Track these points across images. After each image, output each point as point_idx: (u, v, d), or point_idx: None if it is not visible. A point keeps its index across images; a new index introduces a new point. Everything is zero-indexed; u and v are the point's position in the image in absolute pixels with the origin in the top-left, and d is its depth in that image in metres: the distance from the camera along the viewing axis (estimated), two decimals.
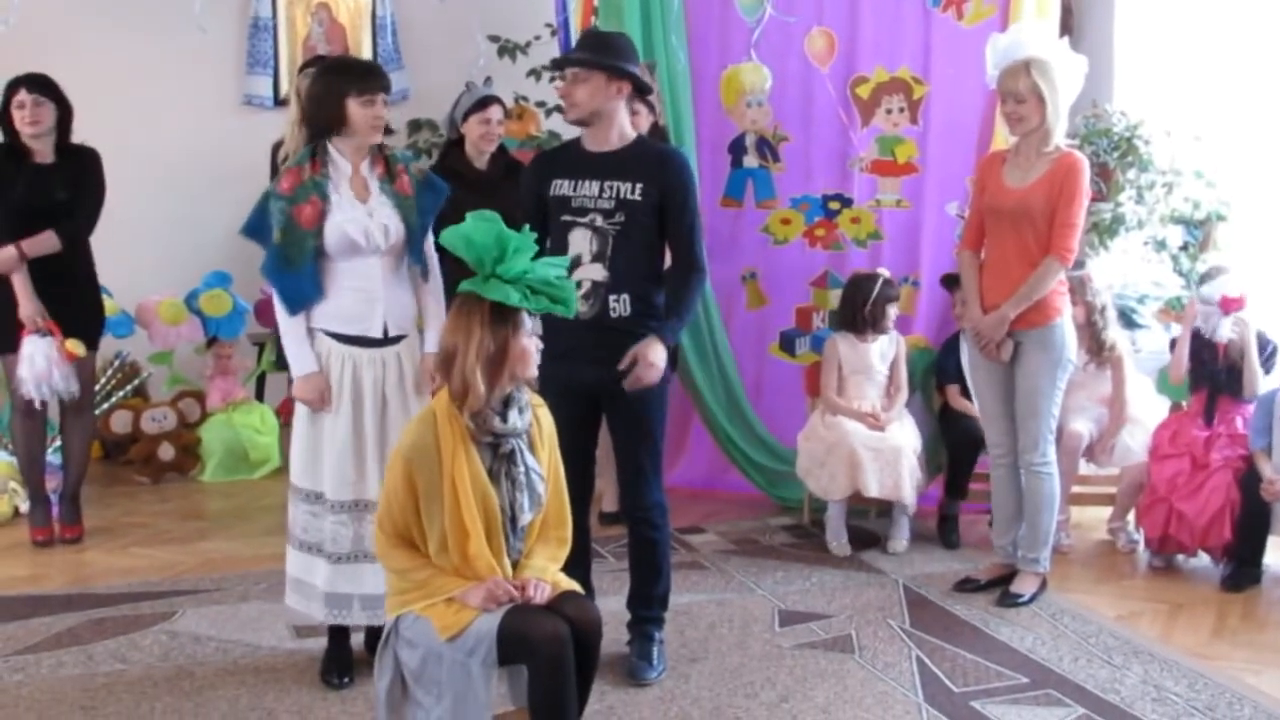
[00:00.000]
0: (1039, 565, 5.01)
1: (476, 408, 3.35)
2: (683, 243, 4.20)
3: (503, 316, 3.33)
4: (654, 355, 4.04)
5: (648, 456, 4.27)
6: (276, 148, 5.75)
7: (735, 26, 6.07)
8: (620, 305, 4.11)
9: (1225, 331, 5.33)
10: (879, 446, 5.45)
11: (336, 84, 4.08)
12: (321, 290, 4.07)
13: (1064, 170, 4.70)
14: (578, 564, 3.90)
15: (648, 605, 4.38)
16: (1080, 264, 5.73)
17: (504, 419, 3.40)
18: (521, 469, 3.44)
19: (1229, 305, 5.31)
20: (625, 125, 4.22)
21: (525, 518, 3.47)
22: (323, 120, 4.11)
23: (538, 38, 7.48)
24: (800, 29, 6.04)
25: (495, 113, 5.68)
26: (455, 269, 3.59)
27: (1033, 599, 4.96)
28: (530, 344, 3.40)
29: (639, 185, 4.10)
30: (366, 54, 7.85)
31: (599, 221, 4.10)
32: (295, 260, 4.04)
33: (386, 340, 4.13)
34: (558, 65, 4.24)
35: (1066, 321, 4.86)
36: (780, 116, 6.14)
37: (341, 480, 4.11)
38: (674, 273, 4.24)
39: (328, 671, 4.29)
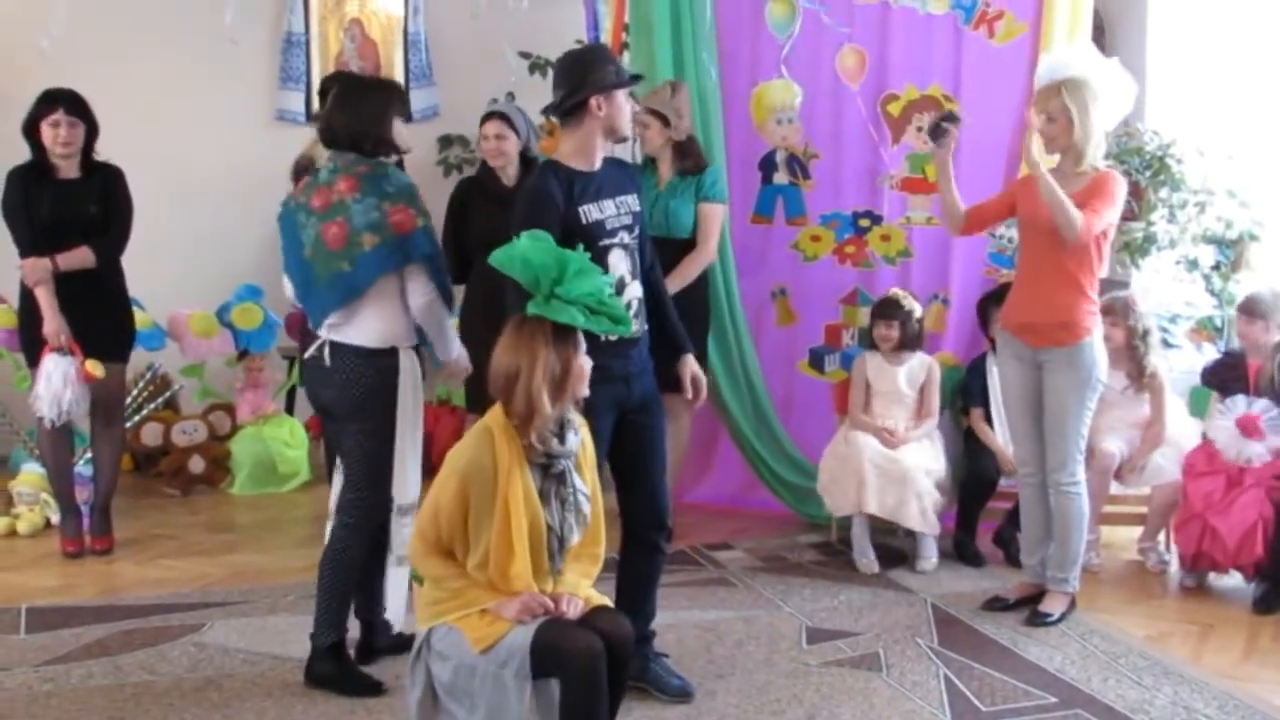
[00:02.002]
0: (1068, 585, 4.98)
1: (541, 429, 3.37)
2: (649, 244, 4.25)
3: (564, 337, 3.35)
4: (701, 371, 4.30)
5: (663, 472, 4.26)
6: (302, 169, 5.78)
7: (766, 43, 6.07)
8: (645, 316, 4.15)
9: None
10: (887, 466, 5.44)
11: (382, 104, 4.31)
12: None
13: (1100, 180, 4.72)
14: None
15: (650, 620, 4.33)
16: (1124, 285, 5.73)
17: (562, 440, 3.42)
18: (571, 490, 3.46)
19: (1248, 429, 5.31)
20: None
21: (574, 538, 3.48)
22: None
23: None
24: (831, 46, 6.04)
25: (491, 128, 5.66)
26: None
27: (1062, 618, 4.93)
28: (586, 363, 3.42)
29: (635, 196, 4.14)
30: (398, 70, 7.90)
31: (626, 239, 4.07)
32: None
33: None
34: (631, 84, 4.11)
35: (1096, 341, 4.84)
36: (811, 133, 6.14)
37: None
38: (653, 280, 4.27)
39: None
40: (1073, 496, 4.91)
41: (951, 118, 5.03)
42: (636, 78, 4.16)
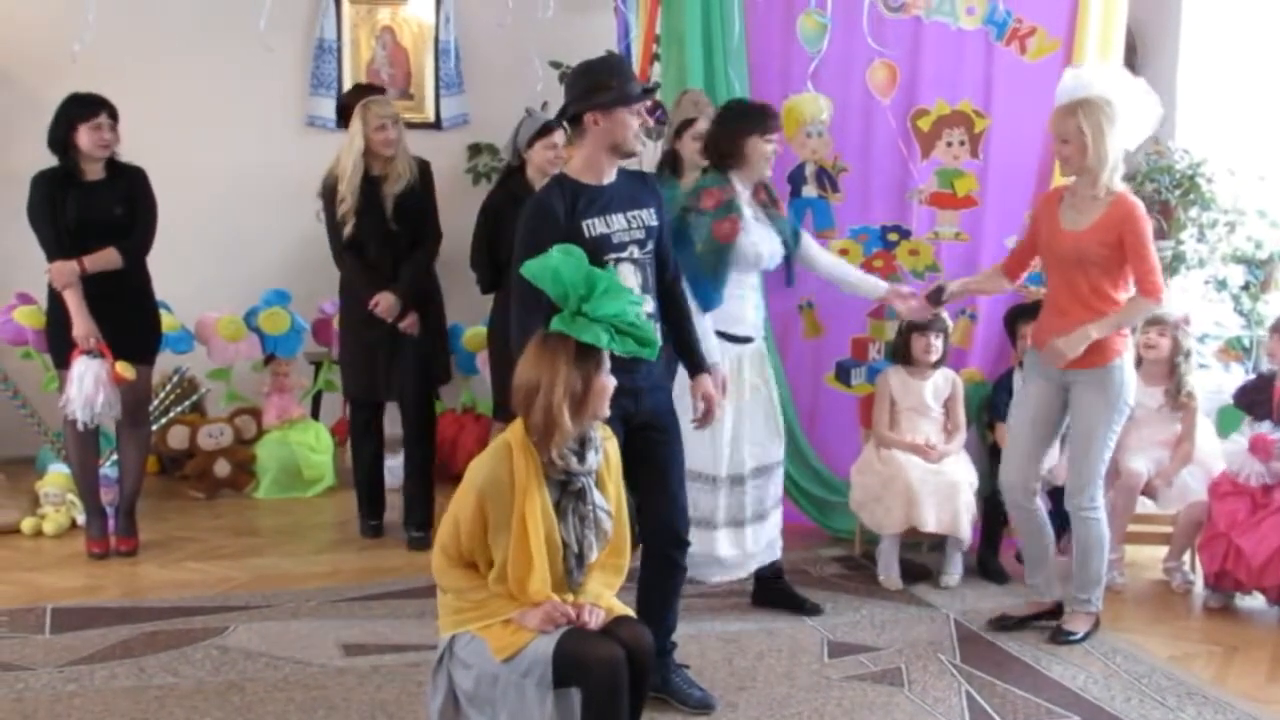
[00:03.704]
0: (1090, 605, 4.96)
1: (560, 445, 3.37)
2: (671, 263, 4.25)
3: (586, 355, 3.34)
4: (711, 390, 4.27)
5: (679, 487, 4.22)
6: (329, 189, 5.81)
7: (796, 57, 6.06)
8: (658, 333, 4.04)
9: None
10: (936, 481, 5.43)
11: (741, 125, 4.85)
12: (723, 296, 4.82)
13: (1121, 216, 4.66)
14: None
15: (670, 632, 4.29)
16: None
17: (581, 459, 3.42)
18: (590, 507, 3.45)
19: (1258, 449, 5.29)
20: None
21: (593, 555, 3.48)
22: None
23: None
24: (862, 60, 6.03)
25: (560, 137, 5.74)
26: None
27: (1085, 637, 4.91)
28: (610, 382, 3.41)
29: (652, 210, 4.10)
30: (429, 78, 7.93)
31: (637, 253, 4.03)
32: (714, 268, 4.81)
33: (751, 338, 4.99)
34: (644, 97, 4.10)
35: (1126, 364, 4.82)
36: (840, 147, 6.13)
37: (728, 458, 4.94)
38: (679, 298, 4.28)
39: None
40: (1092, 522, 4.88)
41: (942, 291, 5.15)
42: (648, 91, 4.15)
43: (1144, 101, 4.83)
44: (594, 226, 3.96)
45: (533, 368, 3.36)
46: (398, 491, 6.17)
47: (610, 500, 3.52)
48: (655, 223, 4.10)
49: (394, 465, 6.89)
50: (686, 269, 4.66)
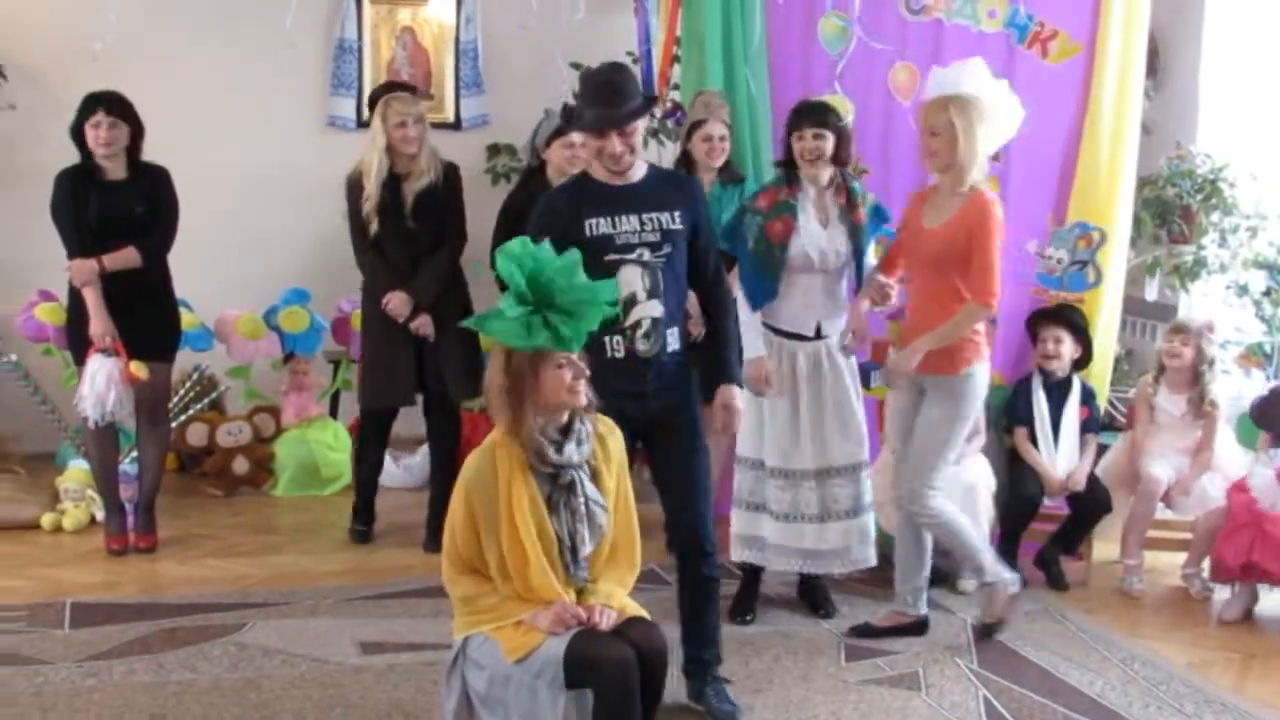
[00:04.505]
0: (990, 576, 4.87)
1: (523, 438, 3.39)
2: (710, 268, 4.19)
3: (537, 350, 3.37)
4: (740, 403, 4.19)
5: (704, 493, 4.17)
6: (353, 184, 5.81)
7: (817, 58, 6.04)
8: (673, 338, 4.05)
9: None
10: (953, 483, 5.40)
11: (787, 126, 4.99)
12: (776, 293, 4.93)
13: (974, 212, 4.60)
14: None
15: (705, 646, 4.25)
16: (1172, 309, 5.68)
17: (559, 450, 3.42)
18: (581, 499, 3.46)
19: None
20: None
21: (586, 548, 3.48)
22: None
23: None
24: (883, 63, 6.02)
25: (578, 137, 5.74)
26: None
27: (1002, 626, 4.90)
28: (565, 375, 3.39)
29: (677, 213, 4.03)
30: (449, 78, 7.94)
31: (647, 256, 3.98)
32: (764, 266, 4.93)
33: (818, 336, 4.99)
34: (601, 127, 3.94)
35: (978, 372, 4.73)
36: (861, 149, 6.10)
37: (780, 451, 5.02)
38: (715, 304, 4.22)
39: (736, 611, 5.08)
40: (931, 523, 4.83)
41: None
42: (608, 118, 3.95)
43: (1009, 104, 4.75)
44: (597, 226, 3.97)
45: (492, 362, 3.44)
46: (411, 491, 6.15)
47: (608, 495, 3.52)
48: (678, 226, 4.04)
49: (411, 464, 6.92)
50: (741, 266, 4.98)
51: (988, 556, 4.89)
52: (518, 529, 3.37)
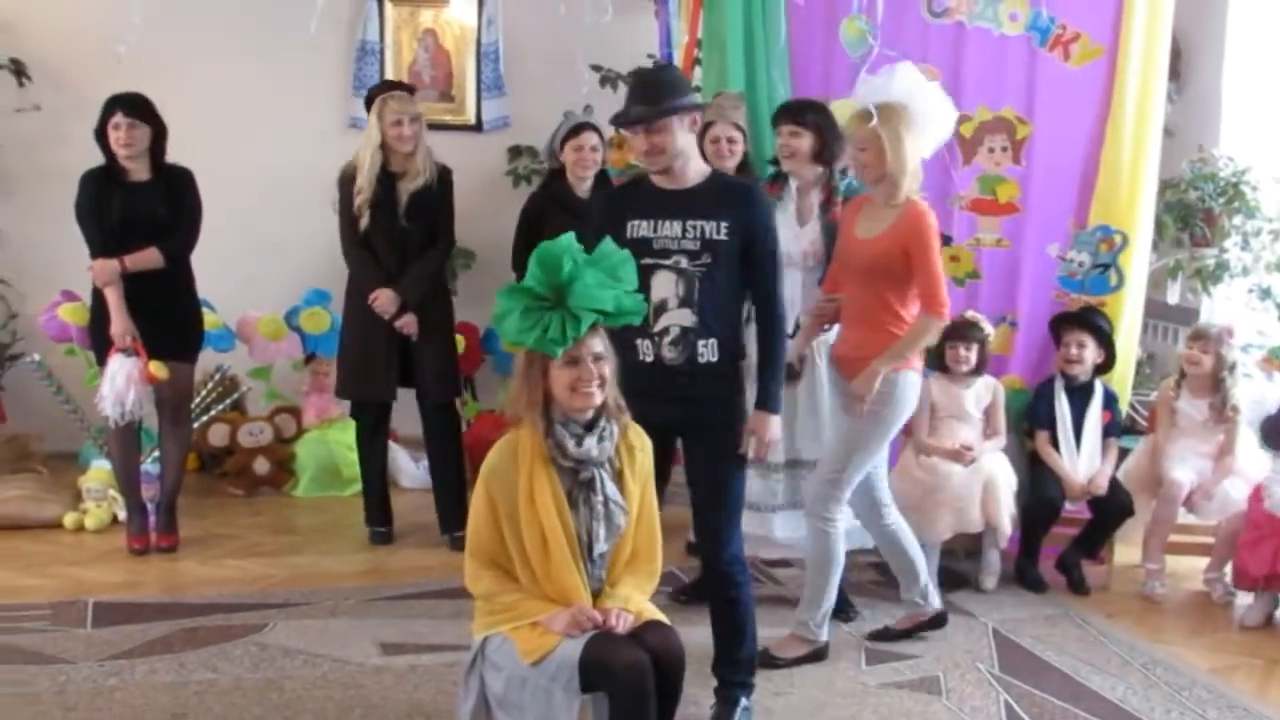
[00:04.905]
0: (809, 631, 4.73)
1: (545, 431, 3.43)
2: (765, 287, 4.00)
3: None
4: (773, 431, 4.01)
5: (724, 507, 4.05)
6: (345, 178, 5.84)
7: (839, 61, 6.04)
8: (708, 350, 3.93)
9: None
10: (975, 480, 5.42)
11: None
12: None
13: (908, 225, 4.49)
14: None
15: (732, 668, 4.16)
16: (1194, 312, 5.64)
17: (579, 444, 3.43)
18: (600, 498, 3.46)
19: None
20: (698, 159, 4.06)
21: (600, 546, 3.48)
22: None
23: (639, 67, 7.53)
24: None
25: (589, 139, 5.77)
26: None
27: (794, 663, 4.69)
28: (562, 374, 3.41)
29: (724, 224, 3.91)
30: (470, 81, 7.96)
31: (684, 263, 3.90)
32: None
33: (796, 331, 4.91)
34: (623, 124, 4.00)
35: (906, 380, 4.59)
36: None
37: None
38: (760, 323, 4.05)
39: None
40: (826, 536, 4.65)
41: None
42: (623, 117, 3.98)
43: (941, 107, 4.65)
44: (638, 228, 3.95)
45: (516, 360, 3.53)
46: (430, 491, 6.16)
47: (630, 500, 3.52)
48: (721, 237, 3.91)
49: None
50: None
51: (825, 597, 4.74)
52: (538, 515, 3.39)
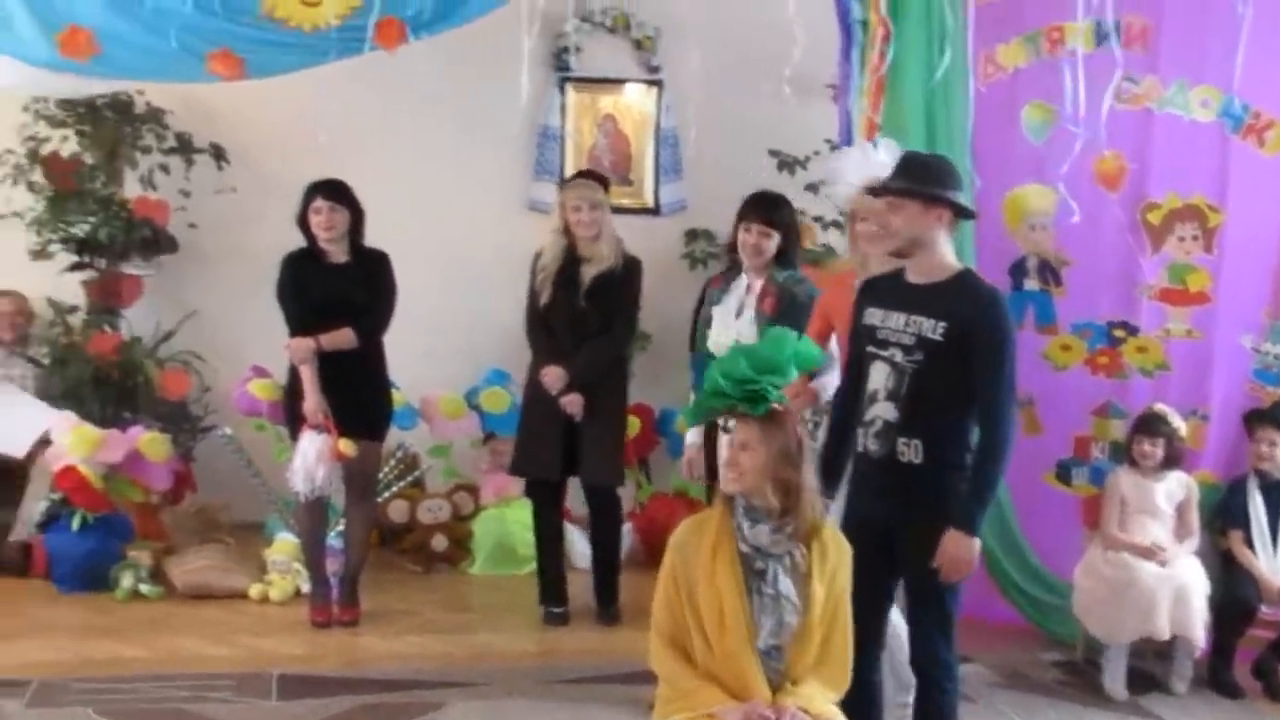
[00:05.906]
0: None
1: (725, 507, 3.49)
2: (984, 399, 3.77)
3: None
4: (962, 553, 3.75)
5: (934, 612, 3.90)
6: (535, 259, 5.96)
7: (1020, 147, 5.99)
8: (910, 450, 3.80)
9: None
10: (1168, 584, 5.23)
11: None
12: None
13: None
14: (857, 715, 3.69)
15: None
16: None
17: (751, 527, 3.44)
18: (771, 591, 3.43)
19: None
20: (948, 255, 3.89)
21: (761, 640, 3.43)
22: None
23: (816, 153, 7.55)
24: (1088, 151, 5.92)
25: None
26: None
27: None
28: (722, 451, 3.57)
29: (942, 324, 3.76)
30: (648, 164, 8.07)
31: (898, 357, 3.82)
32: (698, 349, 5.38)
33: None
34: (874, 192, 4.01)
35: None
36: (1064, 239, 6.01)
37: None
38: (980, 438, 3.81)
39: None
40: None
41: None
42: (879, 188, 3.99)
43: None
44: (871, 316, 3.96)
45: None
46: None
47: (812, 601, 3.44)
48: (935, 337, 3.77)
49: None
50: None
51: None
52: (718, 593, 3.38)
